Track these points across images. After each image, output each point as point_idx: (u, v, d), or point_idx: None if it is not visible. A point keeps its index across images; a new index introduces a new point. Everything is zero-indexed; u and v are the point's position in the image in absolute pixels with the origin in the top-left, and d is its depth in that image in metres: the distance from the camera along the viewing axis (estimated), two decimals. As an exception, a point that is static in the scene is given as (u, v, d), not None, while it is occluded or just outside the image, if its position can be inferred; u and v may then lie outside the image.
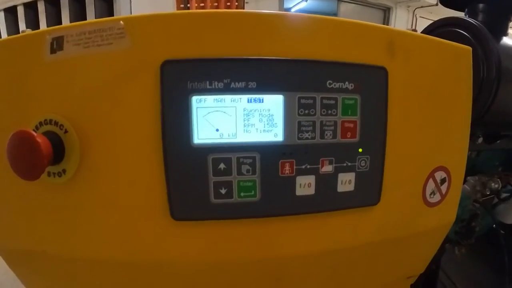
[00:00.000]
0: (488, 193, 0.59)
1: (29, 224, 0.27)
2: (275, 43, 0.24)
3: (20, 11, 2.29)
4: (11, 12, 2.34)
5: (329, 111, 0.25)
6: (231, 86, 0.23)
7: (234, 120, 0.24)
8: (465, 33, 0.52)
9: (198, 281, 0.28)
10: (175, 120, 0.24)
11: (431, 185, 0.31)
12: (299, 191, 0.25)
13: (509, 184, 0.63)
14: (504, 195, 0.64)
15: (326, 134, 0.25)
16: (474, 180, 0.59)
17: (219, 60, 0.23)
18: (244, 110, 0.24)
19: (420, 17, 3.06)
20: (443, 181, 0.31)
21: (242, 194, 0.24)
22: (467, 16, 0.56)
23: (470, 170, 0.60)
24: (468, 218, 0.57)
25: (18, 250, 0.29)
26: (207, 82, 0.23)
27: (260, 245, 0.26)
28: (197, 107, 0.23)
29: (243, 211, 0.25)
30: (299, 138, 0.24)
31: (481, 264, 0.69)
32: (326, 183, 0.25)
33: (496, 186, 0.59)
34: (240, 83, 0.23)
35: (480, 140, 0.56)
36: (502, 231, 0.60)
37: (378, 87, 0.26)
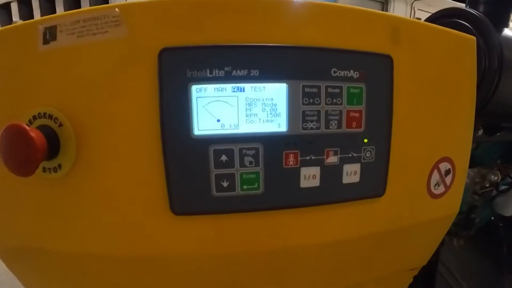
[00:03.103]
0: (487, 185, 0.59)
1: (26, 220, 0.27)
2: (278, 30, 0.23)
3: (14, 7, 2.25)
4: (5, 8, 2.29)
5: (334, 100, 0.24)
6: (233, 74, 0.22)
7: (236, 110, 0.23)
8: (466, 24, 0.51)
9: (200, 276, 0.27)
10: (174, 111, 0.23)
11: (435, 176, 0.30)
12: (304, 183, 0.24)
13: (508, 176, 0.63)
14: (503, 187, 0.64)
15: (331, 124, 0.24)
16: (474, 172, 0.59)
17: (219, 47, 0.22)
18: (246, 99, 0.23)
19: (419, 9, 3.04)
20: (447, 172, 0.31)
21: (245, 186, 0.24)
22: (468, 7, 0.55)
23: (470, 162, 0.60)
24: (467, 210, 0.57)
25: (15, 247, 0.29)
26: (207, 71, 0.22)
27: (263, 239, 0.26)
28: (197, 97, 0.23)
29: (246, 204, 0.24)
30: (303, 128, 0.24)
31: (479, 256, 0.70)
32: (331, 174, 0.25)
33: (496, 178, 0.59)
34: (242, 71, 0.22)
35: (480, 132, 0.56)
36: (500, 224, 0.60)
37: (383, 76, 0.25)
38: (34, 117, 0.24)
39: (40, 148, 0.22)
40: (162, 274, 0.27)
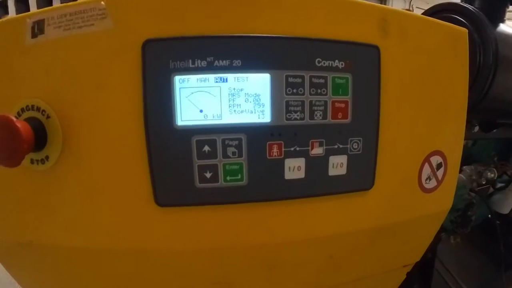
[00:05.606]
0: (483, 182, 0.59)
1: (14, 214, 0.27)
2: (261, 20, 0.23)
3: (11, 6, 2.26)
4: (2, 7, 2.31)
5: (319, 91, 0.23)
6: (215, 65, 0.22)
7: (219, 100, 0.23)
8: (462, 19, 0.51)
9: (185, 269, 0.27)
10: (158, 101, 0.23)
11: (427, 170, 0.30)
12: (288, 175, 0.24)
13: (505, 173, 0.62)
14: (499, 185, 0.64)
15: (316, 115, 0.24)
16: (470, 170, 0.59)
17: (202, 38, 0.22)
18: (229, 89, 0.23)
19: (417, 7, 3.03)
20: (439, 166, 0.31)
21: (228, 178, 0.23)
22: (463, 2, 0.54)
23: (466, 159, 0.60)
24: (463, 208, 0.56)
25: (4, 242, 0.29)
26: (190, 61, 0.22)
27: (249, 232, 0.25)
28: (180, 87, 0.22)
29: (230, 196, 0.24)
30: (287, 119, 0.23)
31: (476, 253, 0.69)
32: (316, 166, 0.24)
33: (492, 175, 0.59)
34: (224, 61, 0.22)
35: (476, 128, 0.55)
36: (497, 221, 0.60)
37: (370, 66, 0.25)
38: (22, 109, 0.24)
39: (26, 139, 0.22)
40: (149, 267, 0.27)
